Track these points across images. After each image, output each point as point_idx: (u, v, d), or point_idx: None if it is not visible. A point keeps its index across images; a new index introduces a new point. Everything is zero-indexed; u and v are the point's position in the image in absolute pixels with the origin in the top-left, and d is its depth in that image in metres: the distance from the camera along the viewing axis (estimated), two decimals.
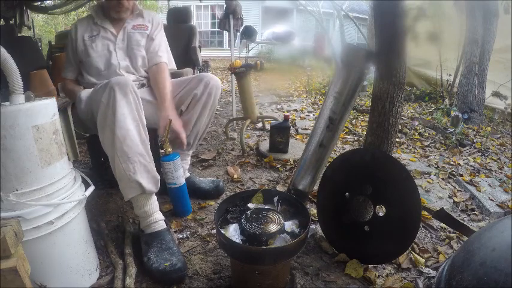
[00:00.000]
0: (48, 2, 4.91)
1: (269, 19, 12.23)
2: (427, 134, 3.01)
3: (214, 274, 1.11)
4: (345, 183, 1.20)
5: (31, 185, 0.84)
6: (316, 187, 1.38)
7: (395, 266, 1.18)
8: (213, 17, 12.70)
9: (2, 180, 0.80)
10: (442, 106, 3.68)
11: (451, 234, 1.38)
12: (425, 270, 1.15)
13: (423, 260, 1.20)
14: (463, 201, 1.71)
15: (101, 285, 1.05)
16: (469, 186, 1.85)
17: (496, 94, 3.20)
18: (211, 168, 2.01)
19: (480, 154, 2.55)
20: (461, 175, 2.04)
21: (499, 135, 3.14)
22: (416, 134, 3.00)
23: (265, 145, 2.31)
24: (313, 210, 1.49)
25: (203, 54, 3.69)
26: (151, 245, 1.13)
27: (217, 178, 1.83)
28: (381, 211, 1.20)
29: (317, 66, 5.55)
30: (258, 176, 1.90)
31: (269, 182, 1.84)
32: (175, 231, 1.34)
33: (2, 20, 3.65)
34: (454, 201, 1.71)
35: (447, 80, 4.31)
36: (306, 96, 4.81)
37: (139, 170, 1.10)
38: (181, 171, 1.36)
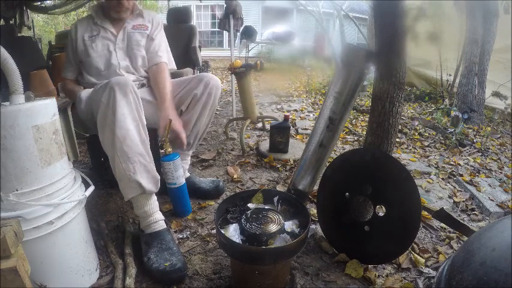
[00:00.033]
0: (48, 2, 4.91)
1: (269, 19, 12.22)
2: (427, 134, 3.01)
3: (214, 274, 1.11)
4: (345, 183, 1.20)
5: (31, 185, 0.84)
6: (316, 187, 1.38)
7: (395, 266, 1.18)
8: (213, 17, 12.70)
9: (2, 180, 0.80)
10: (442, 106, 3.68)
11: (451, 234, 1.38)
12: (425, 270, 1.15)
13: (423, 260, 1.20)
14: (463, 201, 1.71)
15: (101, 285, 1.05)
16: (469, 186, 1.85)
17: (496, 94, 3.20)
18: (211, 168, 2.01)
19: (480, 154, 2.55)
20: (461, 175, 2.04)
21: (499, 135, 3.14)
22: (416, 134, 3.00)
23: (265, 145, 2.31)
24: (313, 210, 1.49)
25: (203, 54, 3.69)
26: (151, 245, 1.13)
27: (217, 178, 1.83)
28: (381, 211, 1.20)
29: (317, 66, 5.55)
30: (258, 176, 1.90)
31: (269, 182, 1.84)
32: (175, 231, 1.34)
33: (2, 20, 3.65)
34: (454, 201, 1.71)
35: (447, 80, 4.31)
36: (306, 96, 4.81)
37: (139, 170, 1.10)
38: (181, 171, 1.36)
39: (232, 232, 0.98)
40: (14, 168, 0.81)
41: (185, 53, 2.73)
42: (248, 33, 3.37)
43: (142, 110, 1.14)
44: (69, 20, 10.52)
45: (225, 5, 3.09)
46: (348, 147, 2.50)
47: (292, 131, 2.78)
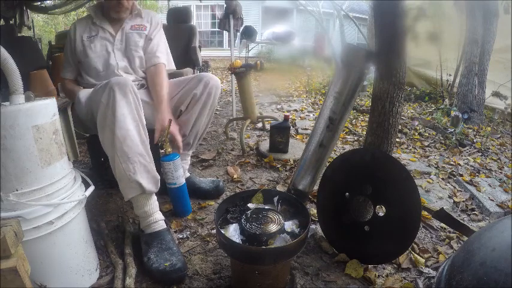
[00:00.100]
0: (48, 2, 4.91)
1: (269, 19, 12.23)
2: (427, 134, 3.01)
3: (214, 274, 1.11)
4: (345, 183, 1.20)
5: (31, 185, 0.84)
6: (316, 187, 1.38)
7: (395, 266, 1.18)
8: (213, 17, 12.70)
9: (2, 180, 0.80)
10: (442, 106, 3.68)
11: (451, 234, 1.38)
12: (425, 270, 1.15)
13: (423, 260, 1.20)
14: (463, 201, 1.71)
15: (101, 285, 1.05)
16: (469, 186, 1.85)
17: (496, 94, 3.20)
18: (211, 168, 2.01)
19: (480, 154, 2.55)
20: (461, 175, 2.04)
21: (499, 135, 3.14)
22: (416, 134, 3.00)
23: (265, 145, 2.31)
24: (313, 210, 1.49)
25: (203, 54, 3.69)
26: (151, 245, 1.13)
27: (217, 178, 1.83)
28: (381, 211, 1.20)
29: (317, 66, 5.55)
30: (258, 176, 1.90)
31: (269, 182, 1.84)
32: (175, 231, 1.34)
33: (2, 20, 3.65)
34: (454, 201, 1.71)
35: (447, 80, 4.31)
36: (306, 96, 4.81)
37: (139, 170, 1.10)
38: (181, 171, 1.36)
39: (232, 232, 0.98)
40: (14, 168, 0.81)
41: (185, 53, 2.73)
42: (248, 33, 3.37)
43: (142, 110, 1.14)
44: (69, 20, 10.52)
45: (225, 5, 3.09)
46: (348, 147, 2.50)
47: (292, 131, 2.78)
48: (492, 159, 2.48)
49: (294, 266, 1.14)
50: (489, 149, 2.69)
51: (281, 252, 0.91)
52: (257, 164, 2.07)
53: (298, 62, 5.52)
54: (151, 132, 1.23)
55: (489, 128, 3.24)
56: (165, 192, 1.39)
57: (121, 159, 1.07)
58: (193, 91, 1.44)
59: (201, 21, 12.99)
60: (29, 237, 0.83)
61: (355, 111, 3.77)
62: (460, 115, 2.86)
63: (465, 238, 1.30)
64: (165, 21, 2.75)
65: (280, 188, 1.74)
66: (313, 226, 1.36)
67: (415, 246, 1.28)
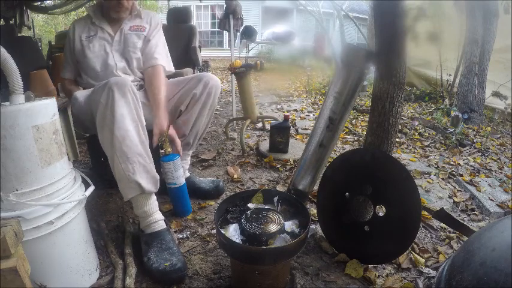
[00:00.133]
0: (48, 2, 4.91)
1: (269, 19, 12.23)
2: (427, 134, 3.01)
3: (214, 274, 1.11)
4: (345, 183, 1.20)
5: (31, 185, 0.84)
6: (316, 187, 1.38)
7: (395, 266, 1.18)
8: (213, 17, 12.70)
9: (2, 180, 0.80)
10: (442, 106, 3.68)
11: (451, 234, 1.38)
12: (425, 270, 1.15)
13: (423, 260, 1.20)
14: (463, 201, 1.71)
15: (101, 285, 1.05)
16: (469, 186, 1.85)
17: (496, 94, 3.20)
18: (211, 168, 2.01)
19: (480, 154, 2.55)
20: (461, 175, 2.04)
21: (499, 135, 3.14)
22: (416, 134, 3.00)
23: (265, 145, 2.31)
24: (313, 210, 1.49)
25: (203, 54, 3.69)
26: (151, 245, 1.13)
27: (217, 178, 1.83)
28: (381, 211, 1.20)
29: (317, 66, 5.55)
30: (258, 176, 1.90)
31: (269, 182, 1.84)
32: (175, 231, 1.34)
33: (2, 20, 3.65)
34: (454, 201, 1.71)
35: (447, 80, 4.31)
36: (306, 96, 4.81)
37: (139, 170, 1.10)
38: (181, 171, 1.35)
39: (232, 232, 0.98)
40: (14, 168, 0.81)
41: (185, 53, 2.73)
42: (248, 33, 3.37)
43: (142, 110, 1.14)
44: (69, 20, 10.52)
45: (225, 5, 3.09)
46: (348, 147, 2.50)
47: (292, 131, 2.78)
48: (492, 159, 2.48)
49: (294, 266, 1.14)
50: (489, 149, 2.69)
51: (281, 252, 0.90)
52: (257, 164, 2.07)
53: (298, 62, 5.53)
54: (150, 132, 1.23)
55: (489, 128, 3.24)
56: (165, 192, 1.39)
57: (120, 160, 1.07)
58: (193, 91, 1.44)
59: (201, 21, 12.99)
60: (29, 237, 0.83)
61: (355, 111, 3.77)
62: (460, 115, 2.86)
63: (465, 238, 1.30)
64: (165, 21, 2.75)
65: (280, 188, 1.74)
66: (313, 226, 1.36)
67: (415, 246, 1.28)
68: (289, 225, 1.01)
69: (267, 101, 4.29)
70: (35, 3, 4.43)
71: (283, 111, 3.64)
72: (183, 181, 1.38)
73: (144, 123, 1.14)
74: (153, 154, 1.18)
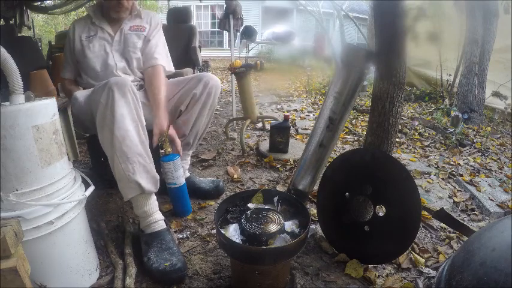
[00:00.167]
0: (48, 2, 4.91)
1: (269, 19, 12.23)
2: (427, 134, 3.01)
3: (214, 274, 1.11)
4: (345, 183, 1.20)
5: (31, 185, 0.84)
6: (316, 187, 1.38)
7: (395, 266, 1.18)
8: (213, 17, 12.71)
9: (2, 180, 0.80)
10: (442, 106, 3.68)
11: (451, 234, 1.38)
12: (425, 270, 1.15)
13: (423, 260, 1.20)
14: (463, 201, 1.71)
15: (101, 285, 1.05)
16: (469, 186, 1.85)
17: (496, 94, 3.20)
18: (211, 168, 2.01)
19: (480, 154, 2.55)
20: (461, 175, 2.04)
21: (499, 135, 3.14)
22: (416, 134, 3.00)
23: (265, 145, 2.31)
24: (313, 210, 1.49)
25: (203, 54, 3.69)
26: (151, 245, 1.13)
27: (217, 178, 1.83)
28: (381, 211, 1.20)
29: (317, 66, 5.55)
30: (258, 176, 1.90)
31: (269, 182, 1.84)
32: (175, 231, 1.34)
33: (2, 20, 3.65)
34: (454, 201, 1.71)
35: (447, 80, 4.32)
36: (306, 96, 4.81)
37: (139, 170, 1.10)
38: (181, 171, 1.35)
39: (232, 232, 0.98)
40: (14, 168, 0.81)
41: (185, 53, 2.73)
42: (248, 33, 3.37)
43: (142, 110, 1.14)
44: (69, 20, 10.52)
45: (225, 5, 3.09)
46: (348, 147, 2.50)
47: (292, 131, 2.78)
48: (492, 159, 2.48)
49: (294, 266, 1.14)
50: (489, 149, 2.69)
51: (281, 252, 0.90)
52: (257, 164, 2.07)
53: (298, 62, 5.53)
54: (150, 132, 1.23)
55: (489, 128, 3.24)
56: (165, 192, 1.39)
57: (120, 160, 1.07)
58: (193, 91, 1.44)
59: (201, 21, 12.99)
60: (29, 237, 0.83)
61: (355, 111, 3.77)
62: (460, 115, 2.86)
63: (465, 238, 1.30)
64: (165, 21, 2.75)
65: (280, 188, 1.74)
66: (313, 226, 1.36)
67: (415, 246, 1.28)
68: (289, 225, 1.01)
69: (267, 101, 4.29)
70: (35, 3, 4.43)
71: (283, 111, 3.64)
72: (183, 181, 1.38)
73: (144, 123, 1.14)
74: (153, 154, 1.18)
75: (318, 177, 1.39)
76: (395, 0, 1.07)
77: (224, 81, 6.29)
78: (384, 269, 1.16)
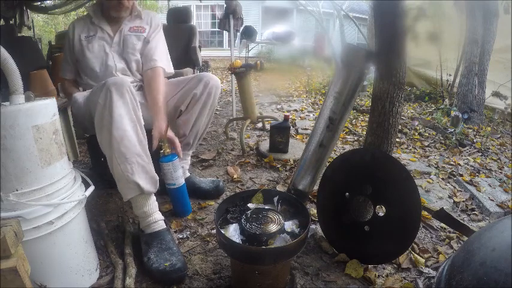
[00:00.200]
0: (48, 2, 4.91)
1: (269, 19, 12.23)
2: (427, 134, 3.01)
3: (214, 274, 1.11)
4: (345, 183, 1.20)
5: (31, 185, 0.84)
6: (316, 187, 1.38)
7: (395, 266, 1.18)
8: (213, 17, 12.71)
9: (2, 180, 0.80)
10: (442, 106, 3.68)
11: (451, 234, 1.38)
12: (425, 270, 1.15)
13: (423, 260, 1.20)
14: (463, 201, 1.71)
15: (101, 285, 1.05)
16: (469, 186, 1.85)
17: (496, 94, 3.20)
18: (211, 168, 2.01)
19: (480, 154, 2.55)
20: (461, 175, 2.04)
21: (499, 135, 3.14)
22: (416, 134, 3.00)
23: (265, 145, 2.31)
24: (313, 210, 1.49)
25: (203, 54, 3.69)
26: (151, 245, 1.13)
27: (217, 178, 1.83)
28: (381, 211, 1.20)
29: (317, 66, 5.55)
30: (258, 176, 1.90)
31: (269, 182, 1.84)
32: (175, 231, 1.34)
33: (2, 20, 3.65)
34: (454, 201, 1.71)
35: (447, 80, 4.32)
36: (306, 96, 4.81)
37: (137, 170, 1.10)
38: (180, 171, 1.35)
39: (232, 232, 0.98)
40: (14, 168, 0.81)
41: (185, 53, 2.74)
42: (248, 33, 3.37)
43: (140, 110, 1.14)
44: (69, 20, 10.51)
45: (225, 5, 3.09)
46: (348, 147, 2.50)
47: (292, 131, 2.78)
48: (492, 159, 2.48)
49: (294, 266, 1.14)
50: (489, 149, 2.69)
51: (281, 252, 0.90)
52: (257, 164, 2.07)
53: (298, 62, 5.53)
54: (149, 132, 1.23)
55: (489, 128, 3.24)
56: (165, 192, 1.39)
57: (119, 160, 1.07)
58: (194, 91, 1.44)
59: (201, 21, 12.99)
60: (29, 237, 0.83)
61: (355, 111, 3.77)
62: (460, 115, 2.86)
63: (465, 238, 1.30)
64: (165, 21, 2.75)
65: (280, 188, 1.74)
66: (313, 226, 1.36)
67: (415, 246, 1.28)
68: (289, 225, 1.01)
69: (267, 101, 4.29)
70: (35, 3, 4.43)
71: (283, 111, 3.64)
72: (182, 181, 1.37)
73: (143, 123, 1.14)
74: (152, 155, 1.17)
75: (318, 177, 1.39)
76: (395, 0, 1.07)
77: (224, 81, 6.29)
78: (383, 269, 1.16)
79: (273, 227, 0.97)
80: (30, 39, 3.42)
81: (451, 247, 1.31)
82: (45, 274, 0.90)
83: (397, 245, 1.09)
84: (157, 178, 1.17)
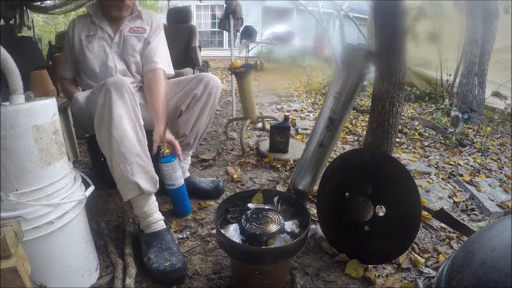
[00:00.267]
0: (48, 2, 4.91)
1: (269, 19, 12.23)
2: (427, 134, 3.01)
3: (214, 274, 1.11)
4: (345, 183, 1.20)
5: (31, 185, 0.84)
6: (316, 187, 1.38)
7: (395, 266, 1.18)
8: (213, 17, 12.71)
9: (2, 180, 0.80)
10: (442, 106, 3.68)
11: (451, 234, 1.38)
12: (425, 270, 1.15)
13: (423, 260, 1.20)
14: (463, 201, 1.71)
15: (101, 285, 1.05)
16: (469, 186, 1.85)
17: (496, 94, 3.20)
18: (211, 168, 2.01)
19: (480, 154, 2.55)
20: (461, 175, 2.04)
21: (499, 135, 3.14)
22: (416, 134, 3.00)
23: (265, 145, 2.31)
24: (313, 210, 1.49)
25: (203, 54, 3.69)
26: (151, 245, 1.13)
27: (217, 178, 1.83)
28: (381, 211, 1.20)
29: (317, 66, 5.55)
30: (258, 176, 1.90)
31: (269, 182, 1.84)
32: (175, 231, 1.34)
33: (2, 20, 3.65)
34: (454, 201, 1.71)
35: (447, 80, 4.32)
36: (306, 96, 4.81)
37: (137, 171, 1.10)
38: (179, 172, 1.35)
39: (232, 232, 0.98)
40: (14, 168, 0.81)
41: (185, 53, 2.74)
42: (248, 33, 3.37)
43: (140, 110, 1.14)
44: (69, 20, 10.50)
45: (225, 5, 3.09)
46: (348, 147, 2.50)
47: (292, 131, 2.78)
48: (492, 159, 2.48)
49: (294, 266, 1.14)
50: (489, 149, 2.69)
51: (281, 252, 0.90)
52: (257, 164, 2.07)
53: (298, 62, 5.53)
54: (149, 133, 1.23)
55: (489, 128, 3.24)
56: (165, 192, 1.39)
57: (118, 160, 1.07)
58: (194, 91, 1.44)
59: (201, 21, 13.00)
60: (29, 237, 0.83)
61: (355, 111, 3.77)
62: (460, 115, 2.86)
63: (465, 238, 1.30)
64: (165, 21, 2.75)
65: (280, 188, 1.74)
66: (313, 226, 1.36)
67: (415, 246, 1.28)
68: (289, 225, 1.01)
69: (267, 101, 4.29)
70: (35, 3, 4.43)
71: (283, 111, 3.64)
72: (181, 182, 1.37)
73: (142, 123, 1.14)
74: (152, 155, 1.17)
75: (318, 177, 1.39)
76: (395, 0, 1.07)
77: (224, 81, 6.29)
78: (383, 269, 1.16)
79: (273, 227, 0.97)
80: (30, 39, 3.42)
81: (451, 247, 1.31)
82: (45, 274, 0.90)
83: (397, 245, 1.09)
84: (157, 178, 1.17)
